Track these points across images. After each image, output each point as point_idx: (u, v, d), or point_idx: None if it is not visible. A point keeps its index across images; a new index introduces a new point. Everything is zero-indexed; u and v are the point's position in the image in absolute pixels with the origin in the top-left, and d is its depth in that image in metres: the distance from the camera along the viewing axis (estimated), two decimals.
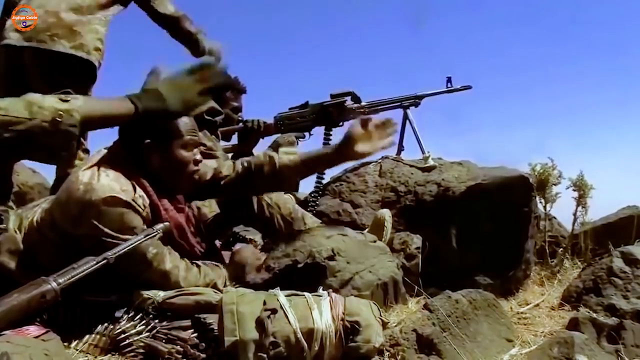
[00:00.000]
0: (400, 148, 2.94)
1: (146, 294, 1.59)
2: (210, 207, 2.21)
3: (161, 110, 1.64)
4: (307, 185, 2.74)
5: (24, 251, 1.67)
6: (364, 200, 2.52)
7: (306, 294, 1.49)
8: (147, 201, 1.66)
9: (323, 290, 1.55)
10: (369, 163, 2.67)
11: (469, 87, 2.94)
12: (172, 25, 2.82)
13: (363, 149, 1.90)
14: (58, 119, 1.38)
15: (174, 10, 2.81)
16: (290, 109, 2.96)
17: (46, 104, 1.38)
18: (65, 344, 1.42)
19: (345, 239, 1.94)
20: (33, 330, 1.35)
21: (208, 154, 2.32)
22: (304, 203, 2.63)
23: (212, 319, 1.49)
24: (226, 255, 2.23)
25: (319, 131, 2.95)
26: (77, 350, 1.46)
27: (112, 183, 1.59)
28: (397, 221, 2.37)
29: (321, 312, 1.41)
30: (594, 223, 2.70)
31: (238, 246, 2.24)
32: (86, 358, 1.45)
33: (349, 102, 2.89)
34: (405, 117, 2.88)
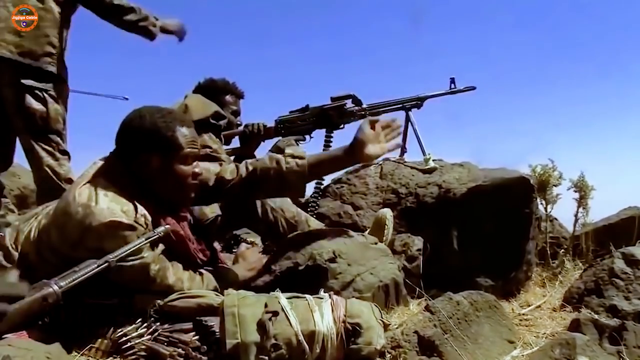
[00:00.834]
0: (403, 150, 2.93)
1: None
2: (211, 207, 2.21)
3: None
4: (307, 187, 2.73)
5: (21, 268, 1.62)
6: (365, 202, 2.52)
7: (307, 296, 1.49)
8: (150, 218, 1.62)
9: (324, 292, 1.55)
10: (369, 165, 2.67)
11: (472, 88, 2.93)
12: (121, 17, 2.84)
13: (373, 151, 1.86)
14: None
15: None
16: (290, 112, 2.96)
17: None
18: (67, 347, 1.42)
19: (347, 241, 1.94)
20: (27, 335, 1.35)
21: (213, 157, 2.32)
22: (304, 205, 2.63)
23: (213, 321, 1.48)
24: (227, 257, 2.23)
25: (319, 134, 2.95)
26: (78, 353, 1.46)
27: (111, 204, 1.54)
28: (398, 223, 2.37)
29: (322, 314, 1.41)
30: (595, 224, 2.71)
31: (242, 248, 2.25)
32: None
33: (349, 104, 2.89)
34: (407, 119, 2.87)
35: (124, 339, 1.48)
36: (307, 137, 2.96)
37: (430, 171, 2.55)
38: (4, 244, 1.66)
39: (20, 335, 1.35)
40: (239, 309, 1.40)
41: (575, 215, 2.56)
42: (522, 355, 1.54)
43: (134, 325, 1.52)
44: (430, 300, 1.68)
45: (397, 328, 1.54)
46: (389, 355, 1.41)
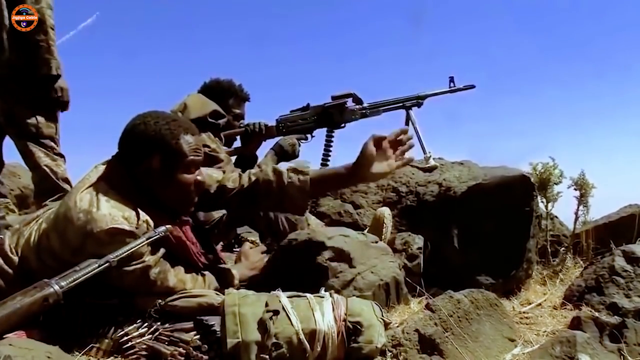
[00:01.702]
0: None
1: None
2: None
3: None
4: None
5: (21, 274, 1.60)
6: (365, 201, 2.53)
7: (308, 295, 1.49)
8: (152, 224, 1.60)
9: (325, 291, 1.55)
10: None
11: (472, 87, 2.93)
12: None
13: (379, 169, 1.79)
14: None
15: None
16: (291, 111, 2.95)
17: None
18: (68, 346, 1.42)
19: (347, 240, 1.94)
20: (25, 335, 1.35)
21: (211, 156, 2.32)
22: None
23: (214, 320, 1.48)
24: (228, 256, 2.23)
25: (321, 133, 2.95)
26: (79, 353, 1.47)
27: (113, 210, 1.53)
28: (399, 221, 2.37)
29: (323, 313, 1.41)
30: (595, 222, 2.70)
31: (246, 247, 2.25)
32: None
33: (350, 103, 2.89)
34: (408, 118, 2.87)
35: (125, 338, 1.49)
36: (309, 136, 2.96)
37: (430, 170, 2.55)
38: (3, 248, 1.65)
39: (22, 335, 1.36)
40: (239, 308, 1.40)
41: (576, 213, 2.56)
42: (523, 353, 1.54)
43: (134, 325, 1.52)
44: (430, 298, 1.68)
45: (397, 326, 1.54)
46: (389, 353, 1.41)
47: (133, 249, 1.48)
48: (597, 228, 2.66)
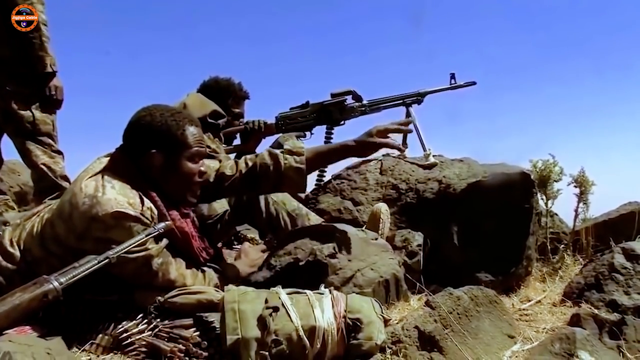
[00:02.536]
0: (404, 145, 2.93)
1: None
2: (220, 203, 2.21)
3: None
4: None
5: (24, 266, 1.62)
6: (365, 198, 2.52)
7: (308, 291, 1.49)
8: (156, 212, 1.63)
9: (325, 287, 1.55)
10: (370, 161, 2.66)
11: (473, 84, 2.92)
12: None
13: (379, 140, 1.88)
14: None
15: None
16: (291, 108, 2.95)
17: None
18: (68, 343, 1.42)
19: (347, 237, 1.94)
20: (31, 330, 1.35)
21: (211, 157, 2.32)
22: (304, 201, 2.63)
23: (214, 317, 1.49)
24: (227, 253, 2.23)
25: (320, 130, 2.95)
26: (79, 349, 1.47)
27: (118, 196, 1.55)
28: (399, 219, 2.37)
29: (323, 309, 1.41)
30: (595, 219, 2.71)
31: (245, 245, 2.25)
32: (89, 357, 1.45)
33: (349, 100, 2.89)
34: (408, 115, 2.87)
35: (125, 335, 1.49)
36: (308, 133, 2.96)
37: (430, 167, 2.55)
38: (3, 243, 1.66)
39: (21, 331, 1.36)
40: (239, 304, 1.40)
41: (576, 211, 2.56)
42: (522, 350, 1.54)
43: (134, 321, 1.52)
44: (430, 295, 1.68)
45: (397, 323, 1.54)
46: (389, 350, 1.41)
47: (132, 245, 1.48)
48: (596, 225, 2.66)
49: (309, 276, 1.76)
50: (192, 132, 1.73)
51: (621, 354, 1.50)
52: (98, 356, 1.46)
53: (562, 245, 2.65)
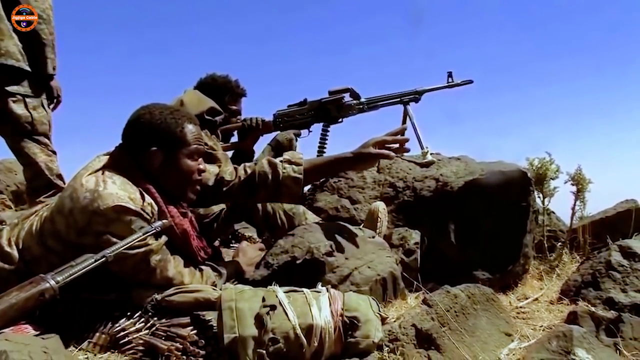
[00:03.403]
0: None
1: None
2: None
3: None
4: None
5: (24, 262, 1.62)
6: (362, 197, 2.52)
7: (305, 290, 1.49)
8: (156, 208, 1.64)
9: (322, 286, 1.55)
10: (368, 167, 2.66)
11: (470, 82, 2.92)
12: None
13: (375, 151, 1.89)
14: None
15: None
16: (289, 106, 2.95)
17: None
18: (65, 341, 1.42)
19: (344, 235, 1.94)
20: (30, 329, 1.35)
21: (209, 154, 2.32)
22: (302, 199, 2.63)
23: (211, 315, 1.49)
24: (225, 252, 2.23)
25: (318, 128, 2.95)
26: (76, 348, 1.47)
27: (119, 191, 1.56)
28: (396, 217, 2.37)
29: (320, 307, 1.41)
30: (592, 217, 2.71)
31: (243, 244, 2.26)
32: (86, 356, 1.45)
33: (347, 98, 2.89)
34: (405, 113, 2.87)
35: (122, 333, 1.49)
36: (306, 131, 2.95)
37: (427, 165, 2.55)
38: (0, 243, 1.66)
39: (19, 330, 1.35)
40: (236, 303, 1.40)
41: (573, 209, 2.57)
42: (520, 348, 1.55)
43: (131, 320, 1.52)
44: (427, 293, 1.68)
45: (394, 321, 1.54)
46: (386, 348, 1.41)
47: (129, 244, 1.48)
48: (593, 223, 2.67)
49: (306, 274, 1.76)
50: (190, 129, 1.75)
51: (618, 351, 1.50)
52: (95, 355, 1.46)
53: (559, 243, 2.65)
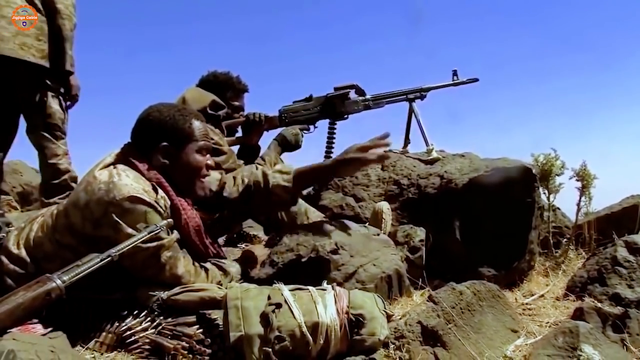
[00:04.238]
0: (407, 141, 2.93)
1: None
2: None
3: None
4: None
5: (36, 261, 1.64)
6: (366, 194, 2.52)
7: (310, 287, 1.49)
8: (168, 202, 1.68)
9: (327, 284, 1.55)
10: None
11: (475, 80, 2.91)
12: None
13: (356, 155, 1.90)
14: None
15: None
16: (294, 102, 2.95)
17: None
18: (71, 341, 1.43)
19: (349, 233, 1.94)
20: (39, 328, 1.35)
21: (215, 149, 2.33)
22: (306, 198, 2.63)
23: (217, 314, 1.49)
24: (228, 250, 2.23)
25: (324, 124, 2.95)
26: (83, 347, 1.47)
27: (133, 183, 1.60)
28: (401, 214, 2.37)
29: (326, 305, 1.41)
30: (597, 213, 2.70)
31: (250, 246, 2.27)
32: (92, 355, 1.45)
33: (352, 94, 2.88)
34: (411, 110, 2.87)
35: (128, 332, 1.49)
36: (312, 127, 2.95)
37: (432, 162, 2.55)
38: (7, 246, 1.67)
39: (27, 329, 1.36)
40: (242, 301, 1.40)
41: (578, 204, 2.56)
42: (526, 344, 1.54)
43: (138, 319, 1.53)
44: (433, 290, 1.68)
45: (400, 318, 1.54)
46: (392, 345, 1.41)
47: (134, 243, 1.49)
48: (599, 219, 2.66)
49: (312, 272, 1.76)
50: (197, 126, 1.80)
51: (625, 347, 1.49)
52: (102, 354, 1.47)
53: (565, 239, 2.65)
